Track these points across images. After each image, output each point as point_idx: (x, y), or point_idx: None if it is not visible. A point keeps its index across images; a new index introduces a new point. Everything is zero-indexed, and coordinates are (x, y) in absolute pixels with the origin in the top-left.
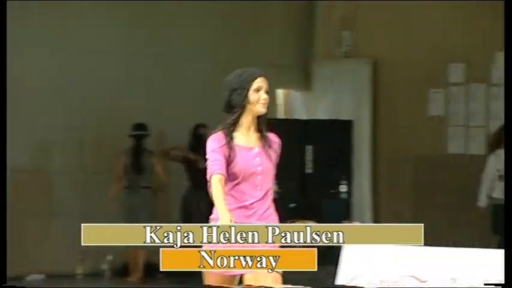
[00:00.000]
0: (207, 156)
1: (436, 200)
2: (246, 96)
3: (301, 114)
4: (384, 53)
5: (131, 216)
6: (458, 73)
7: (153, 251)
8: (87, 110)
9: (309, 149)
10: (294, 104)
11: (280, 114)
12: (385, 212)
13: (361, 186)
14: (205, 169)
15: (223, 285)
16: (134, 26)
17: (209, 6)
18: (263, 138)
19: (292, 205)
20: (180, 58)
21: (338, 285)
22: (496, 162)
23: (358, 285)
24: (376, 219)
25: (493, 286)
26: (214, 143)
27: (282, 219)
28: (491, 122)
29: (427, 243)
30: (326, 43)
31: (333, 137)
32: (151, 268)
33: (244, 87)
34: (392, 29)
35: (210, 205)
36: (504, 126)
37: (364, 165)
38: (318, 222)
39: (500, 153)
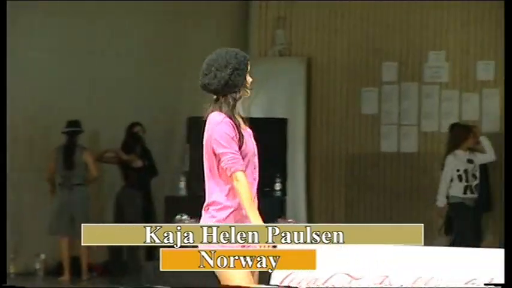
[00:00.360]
0: (223, 144)
1: (368, 198)
2: (245, 77)
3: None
4: (317, 52)
5: (63, 213)
6: (392, 72)
7: (93, 250)
8: (18, 109)
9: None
10: None
11: None
12: (318, 209)
13: (295, 184)
14: (143, 167)
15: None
16: (72, 24)
17: (146, 5)
18: (243, 119)
19: None
20: (115, 56)
21: (272, 285)
22: (455, 162)
23: (291, 285)
24: (310, 217)
25: (493, 286)
26: (230, 129)
27: None
28: (424, 120)
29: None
30: (260, 42)
31: (267, 135)
32: (82, 267)
33: (244, 68)
34: (326, 28)
35: (144, 203)
36: (505, 126)
37: (299, 163)
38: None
39: (459, 153)
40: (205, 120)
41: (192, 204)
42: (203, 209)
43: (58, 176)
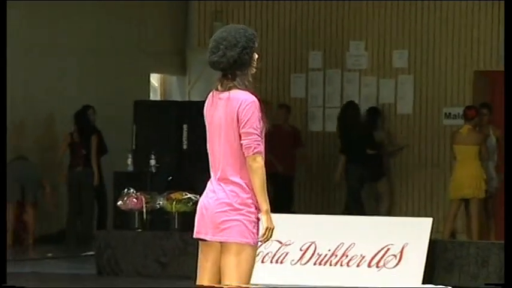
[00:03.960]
0: (254, 124)
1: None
2: (252, 55)
3: (177, 97)
4: None
5: (15, 183)
6: (317, 60)
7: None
8: None
9: (185, 128)
10: (170, 87)
11: (157, 97)
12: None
13: None
14: (95, 145)
15: (215, 286)
16: (17, 16)
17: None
18: None
19: (170, 178)
20: (59, 47)
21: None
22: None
23: None
24: None
25: (493, 286)
26: (258, 110)
27: (161, 191)
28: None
29: (285, 211)
30: (200, 33)
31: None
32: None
33: (252, 46)
34: (259, 20)
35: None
36: (505, 126)
37: None
38: (194, 194)
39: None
40: (215, 97)
41: (138, 179)
42: (217, 179)
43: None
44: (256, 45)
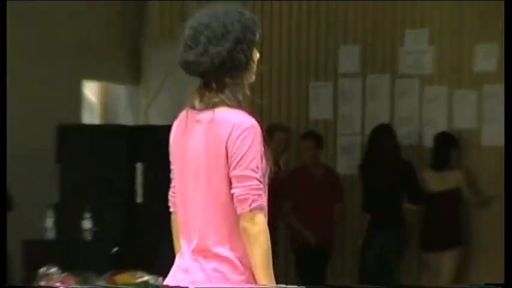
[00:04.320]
0: (252, 163)
1: None
2: (251, 53)
3: (127, 118)
4: None
5: None
6: (352, 59)
7: None
8: None
9: (139, 168)
10: (116, 103)
11: (95, 118)
12: None
13: None
14: None
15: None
16: None
17: None
18: None
19: (114, 250)
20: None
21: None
22: None
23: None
24: None
25: (493, 286)
26: (260, 141)
27: (101, 270)
28: None
29: None
30: (162, 20)
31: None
32: None
33: (251, 40)
34: None
35: None
36: (505, 125)
37: None
38: (155, 273)
39: None
40: (190, 119)
41: (63, 250)
42: (193, 252)
43: None
44: (258, 37)
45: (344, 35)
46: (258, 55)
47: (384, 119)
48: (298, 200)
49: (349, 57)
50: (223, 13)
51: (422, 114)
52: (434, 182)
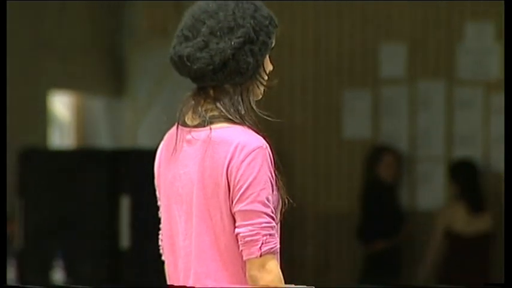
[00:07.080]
0: (260, 196)
1: None
2: (262, 61)
3: (106, 139)
4: None
5: None
6: (397, 59)
7: None
8: None
9: (124, 203)
10: (93, 119)
11: (67, 139)
12: None
13: None
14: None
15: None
16: None
17: None
18: None
19: None
20: None
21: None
22: None
23: None
24: None
25: (493, 286)
26: (270, 168)
27: None
28: None
29: None
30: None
31: None
32: None
33: (265, 41)
34: None
35: None
36: (504, 126)
37: None
38: None
39: None
40: (180, 139)
41: None
42: None
43: None
44: (274, 39)
45: (386, 31)
46: (271, 67)
47: (438, 136)
48: None
49: (392, 59)
50: (235, 3)
51: (490, 130)
52: None
